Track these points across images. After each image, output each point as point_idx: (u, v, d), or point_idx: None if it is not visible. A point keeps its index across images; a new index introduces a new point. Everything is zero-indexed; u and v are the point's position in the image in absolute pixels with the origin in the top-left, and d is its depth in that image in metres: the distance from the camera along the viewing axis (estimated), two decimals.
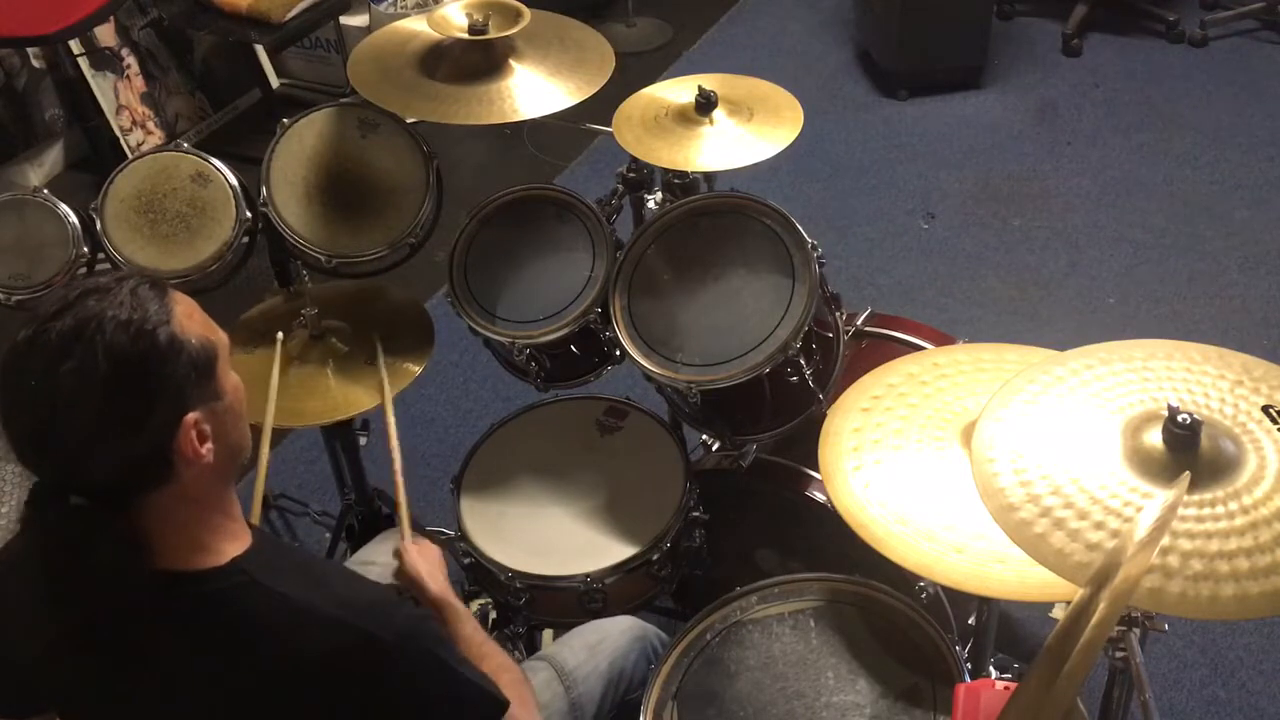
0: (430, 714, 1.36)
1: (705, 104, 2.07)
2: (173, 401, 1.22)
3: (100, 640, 1.29)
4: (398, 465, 1.91)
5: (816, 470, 1.77)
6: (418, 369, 2.12)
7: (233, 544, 1.31)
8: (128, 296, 1.21)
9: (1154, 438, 1.33)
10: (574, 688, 1.79)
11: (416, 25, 2.23)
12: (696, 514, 2.07)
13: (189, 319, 1.25)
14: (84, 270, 2.03)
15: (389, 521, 2.35)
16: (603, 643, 1.87)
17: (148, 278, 1.26)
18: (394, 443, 1.92)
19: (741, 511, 2.16)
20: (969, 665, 1.80)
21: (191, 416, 1.22)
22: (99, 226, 2.04)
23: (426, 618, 1.43)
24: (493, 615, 2.19)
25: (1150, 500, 1.28)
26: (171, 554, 1.27)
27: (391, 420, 1.97)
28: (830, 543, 1.88)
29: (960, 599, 2.01)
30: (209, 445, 1.25)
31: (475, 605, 2.22)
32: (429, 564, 1.70)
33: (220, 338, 1.29)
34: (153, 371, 1.20)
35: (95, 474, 1.21)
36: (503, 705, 1.41)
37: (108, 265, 2.05)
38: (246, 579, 1.29)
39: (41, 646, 1.31)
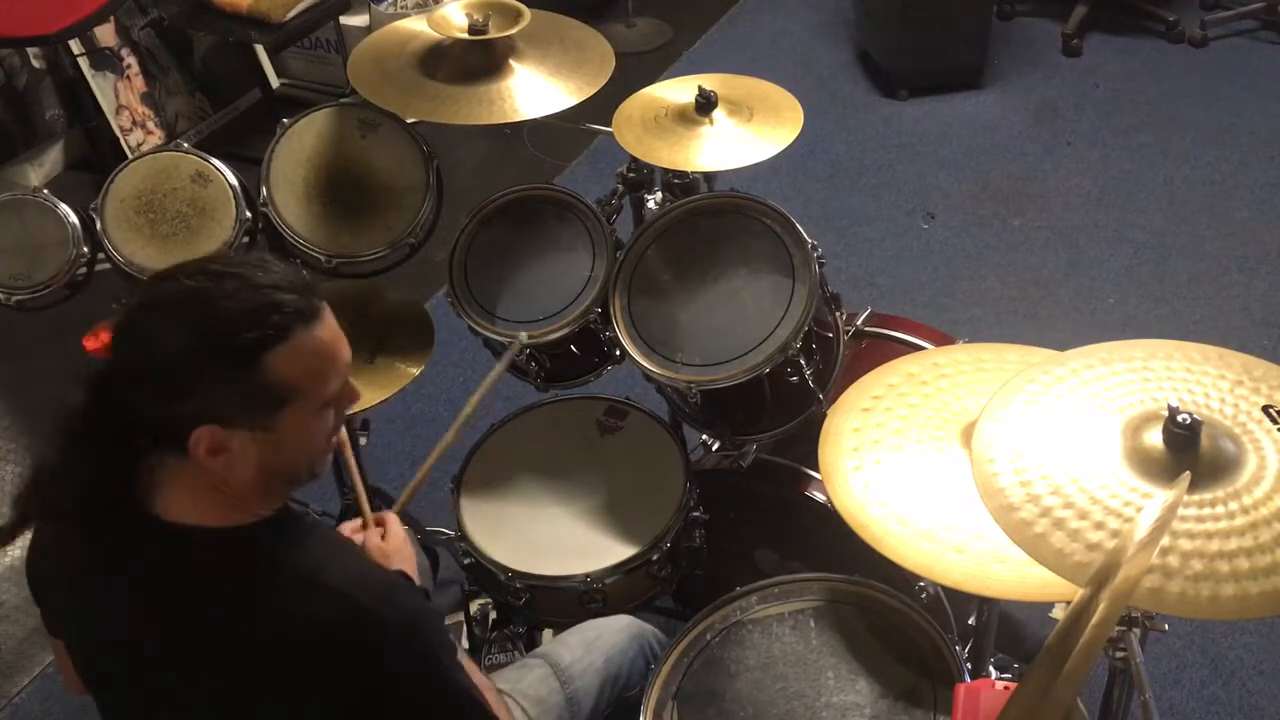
0: (424, 701, 1.37)
1: (705, 104, 2.07)
2: (198, 405, 1.25)
3: (103, 574, 1.34)
4: (351, 457, 1.89)
5: (816, 470, 1.77)
6: (417, 369, 2.12)
7: (262, 509, 1.35)
8: (273, 301, 1.25)
9: (1154, 438, 1.33)
10: (570, 684, 1.79)
11: (416, 25, 2.23)
12: (696, 514, 2.07)
13: (296, 353, 1.26)
14: (84, 270, 2.03)
15: None
16: (600, 640, 1.87)
17: (307, 300, 1.28)
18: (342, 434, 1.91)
19: (741, 511, 2.16)
20: (969, 665, 1.80)
21: (205, 430, 1.25)
22: (99, 226, 2.04)
23: (436, 614, 1.43)
24: (493, 615, 2.20)
25: (1150, 500, 1.28)
26: (187, 511, 1.31)
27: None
28: (830, 543, 1.88)
29: (960, 599, 2.01)
30: (224, 458, 1.27)
31: (475, 605, 2.22)
32: (394, 549, 1.68)
33: (325, 387, 1.31)
34: (204, 368, 1.24)
35: (147, 420, 1.28)
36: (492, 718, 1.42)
37: (108, 265, 2.05)
38: (260, 542, 1.33)
39: (66, 576, 1.39)
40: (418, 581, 1.57)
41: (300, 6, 3.71)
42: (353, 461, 1.88)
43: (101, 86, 3.88)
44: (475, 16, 2.12)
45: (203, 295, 1.25)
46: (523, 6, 2.17)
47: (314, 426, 1.32)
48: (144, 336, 1.26)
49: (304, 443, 1.32)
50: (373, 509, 2.32)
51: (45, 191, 2.04)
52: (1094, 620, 1.11)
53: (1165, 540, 1.22)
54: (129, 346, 1.28)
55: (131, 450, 1.29)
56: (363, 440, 2.33)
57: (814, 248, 1.92)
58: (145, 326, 1.27)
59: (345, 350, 1.35)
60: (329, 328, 1.32)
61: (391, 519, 1.72)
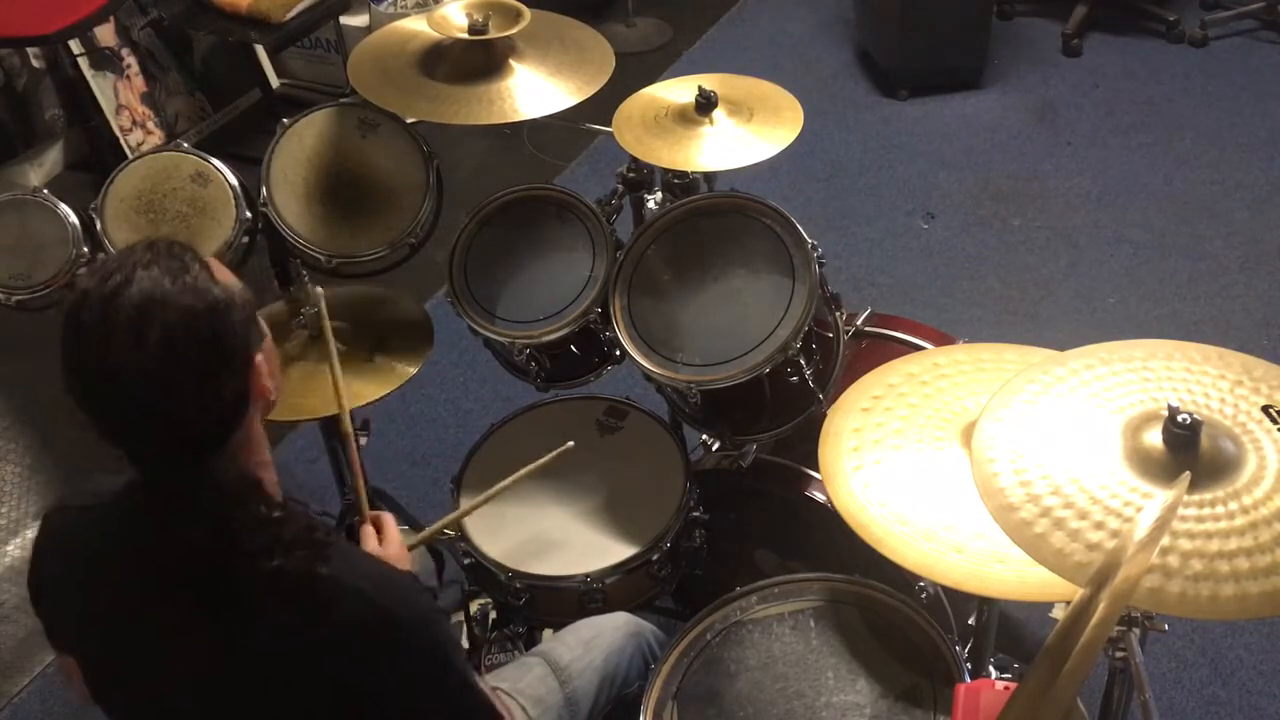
0: (436, 700, 1.37)
1: (705, 104, 2.07)
2: (242, 350, 1.27)
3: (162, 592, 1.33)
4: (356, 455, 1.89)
5: (816, 470, 1.77)
6: (416, 369, 2.12)
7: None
8: (168, 265, 1.24)
9: (1154, 438, 1.33)
10: (569, 683, 1.79)
11: (416, 25, 2.23)
12: (696, 514, 2.07)
13: (220, 271, 1.29)
14: (84, 271, 2.03)
15: None
16: (598, 638, 1.87)
17: (168, 241, 1.28)
18: (348, 427, 1.91)
19: (741, 511, 2.16)
20: (969, 665, 1.80)
21: (259, 357, 1.29)
22: (99, 226, 2.04)
23: (446, 614, 1.44)
24: (493, 615, 2.20)
25: (1150, 500, 1.28)
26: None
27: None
28: (830, 543, 1.88)
29: (960, 599, 2.01)
30: (275, 380, 1.33)
31: (475, 605, 2.22)
32: (392, 555, 1.66)
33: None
34: (222, 330, 1.25)
35: (191, 430, 1.26)
36: (500, 717, 1.42)
37: None
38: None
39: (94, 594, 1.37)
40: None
41: (300, 6, 3.71)
42: (356, 458, 1.88)
43: (101, 86, 3.88)
44: (475, 16, 2.12)
45: (150, 300, 1.21)
46: (523, 6, 2.17)
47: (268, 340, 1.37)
48: (157, 366, 1.21)
49: (272, 350, 1.37)
50: (373, 509, 2.32)
51: (45, 191, 2.04)
52: (1094, 620, 1.11)
53: (1165, 540, 1.22)
54: (153, 385, 1.22)
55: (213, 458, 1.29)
56: (363, 440, 2.32)
57: (814, 248, 1.92)
58: (147, 357, 1.21)
59: None
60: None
61: (388, 520, 1.71)
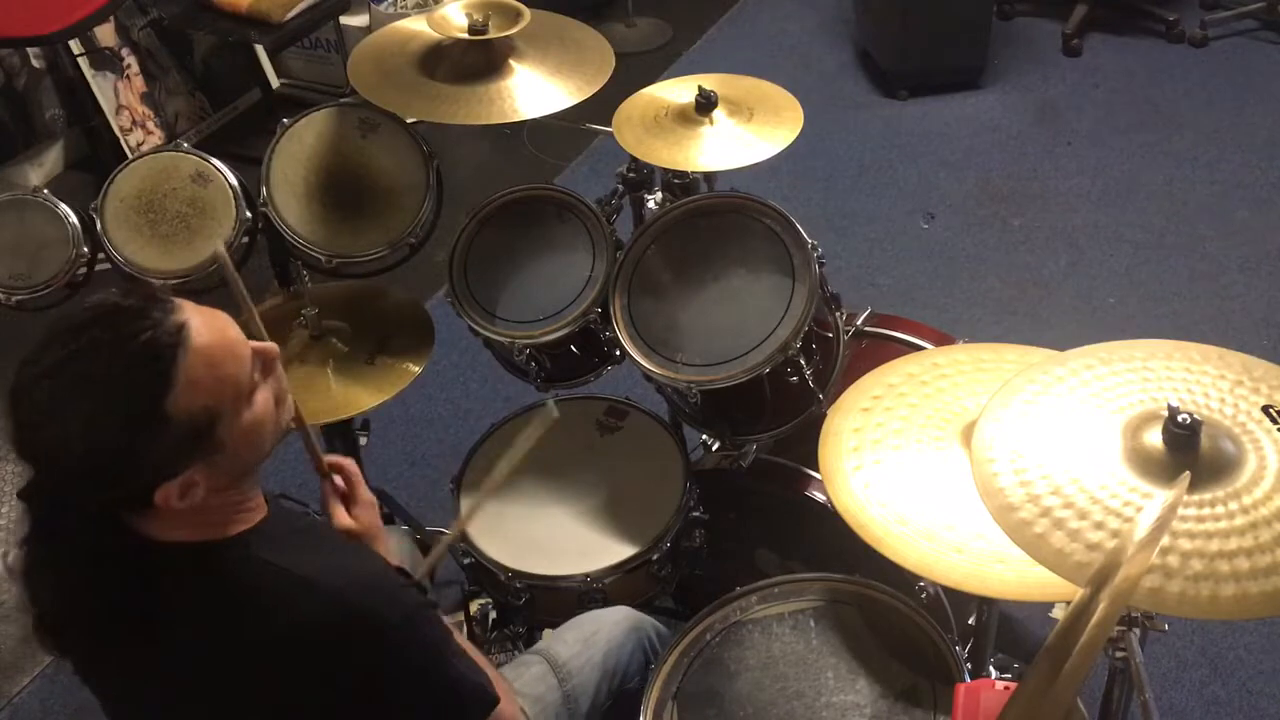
0: (424, 697, 1.37)
1: (705, 104, 2.07)
2: (152, 473, 1.21)
3: (103, 606, 1.32)
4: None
5: (816, 470, 1.77)
6: (418, 369, 2.12)
7: (240, 524, 1.33)
8: (136, 354, 1.17)
9: (1154, 438, 1.33)
10: (568, 680, 1.79)
11: (416, 25, 2.23)
12: (696, 514, 2.07)
13: (193, 386, 1.19)
14: (84, 270, 2.03)
15: (388, 521, 2.34)
16: (597, 634, 1.87)
17: (169, 325, 1.20)
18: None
19: (741, 511, 2.16)
20: (969, 665, 1.80)
21: (163, 491, 1.22)
22: (99, 226, 2.04)
23: (431, 606, 1.43)
24: (493, 615, 2.20)
25: (1150, 500, 1.28)
26: (176, 531, 1.29)
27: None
28: (830, 543, 1.88)
29: (960, 599, 2.01)
30: (192, 494, 1.24)
31: (475, 605, 2.22)
32: (360, 511, 1.57)
33: (232, 385, 1.24)
34: (136, 448, 1.19)
35: (91, 501, 1.25)
36: (494, 700, 1.42)
37: (108, 265, 2.05)
38: (244, 553, 1.31)
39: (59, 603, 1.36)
40: (397, 560, 1.50)
41: (300, 6, 3.71)
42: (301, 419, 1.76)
43: (101, 86, 3.88)
44: (475, 16, 2.12)
45: (78, 383, 1.17)
46: (523, 6, 2.17)
47: (255, 414, 1.28)
48: (52, 453, 1.20)
49: (255, 433, 1.28)
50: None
51: (45, 191, 2.04)
52: (1094, 620, 1.11)
53: (1165, 540, 1.22)
54: (47, 465, 1.22)
55: (111, 530, 1.27)
56: (363, 440, 2.33)
57: (814, 248, 1.92)
58: (46, 443, 1.19)
59: (231, 331, 1.26)
60: (201, 328, 1.22)
61: (351, 472, 1.57)
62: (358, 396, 2.07)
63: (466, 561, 2.06)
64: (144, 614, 1.31)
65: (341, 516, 1.52)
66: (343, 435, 2.29)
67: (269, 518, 1.37)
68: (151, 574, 1.29)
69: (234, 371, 1.24)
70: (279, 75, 4.38)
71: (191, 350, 1.20)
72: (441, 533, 2.23)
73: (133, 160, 2.10)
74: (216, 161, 2.10)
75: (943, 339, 2.26)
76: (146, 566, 1.28)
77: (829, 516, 1.81)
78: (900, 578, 1.82)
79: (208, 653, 1.32)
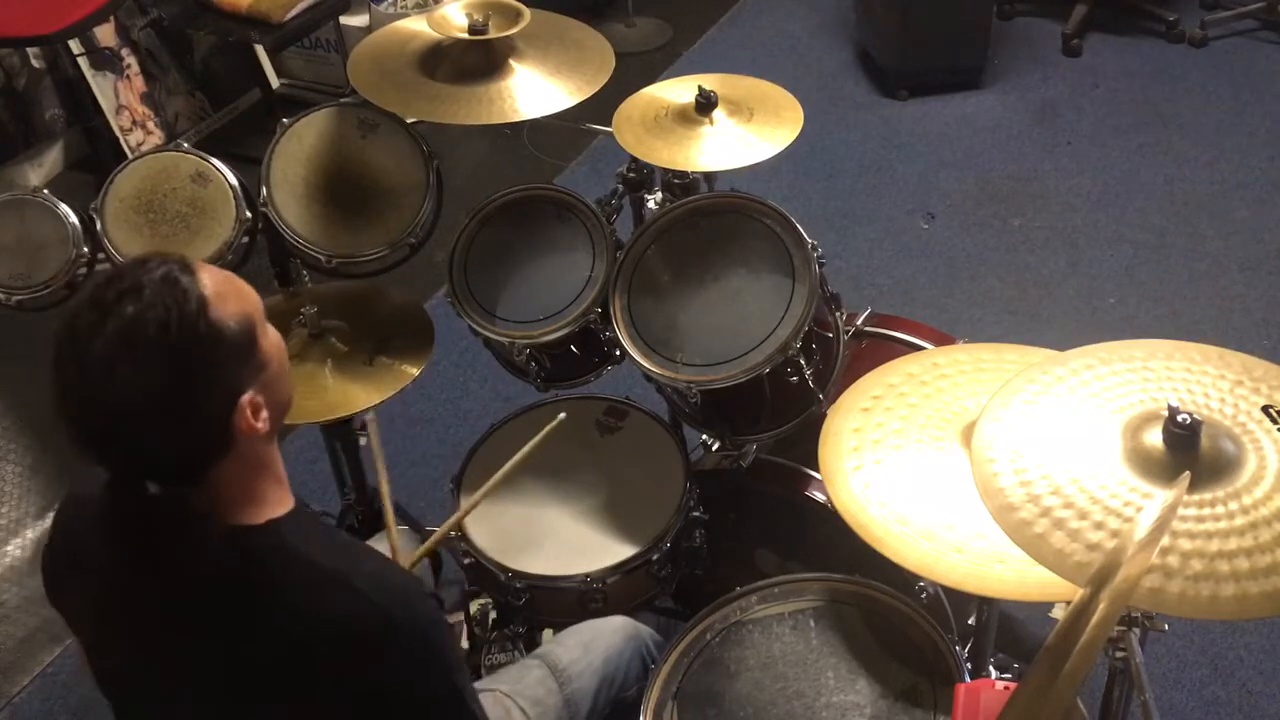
0: (426, 712, 1.37)
1: (705, 104, 2.07)
2: (226, 386, 1.26)
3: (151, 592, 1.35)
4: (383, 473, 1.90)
5: (816, 470, 1.77)
6: (417, 369, 2.12)
7: (275, 507, 1.35)
8: (160, 290, 1.23)
9: (1154, 438, 1.33)
10: (568, 684, 1.80)
11: (416, 25, 2.23)
12: (696, 514, 2.07)
13: (222, 299, 1.26)
14: (84, 270, 2.03)
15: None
16: (596, 640, 1.87)
17: (173, 261, 1.27)
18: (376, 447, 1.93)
19: (741, 511, 2.16)
20: (969, 665, 1.80)
21: (246, 397, 1.27)
22: (99, 226, 2.04)
23: (447, 623, 1.44)
24: (493, 615, 2.19)
25: (1150, 500, 1.28)
26: (227, 512, 1.32)
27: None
28: (830, 543, 1.88)
29: (960, 599, 2.01)
30: (264, 415, 1.29)
31: (475, 605, 2.22)
32: None
33: (254, 303, 1.31)
34: (200, 367, 1.24)
35: (163, 464, 1.27)
36: None
37: (108, 265, 2.05)
38: (278, 540, 1.33)
39: (98, 589, 1.38)
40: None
41: (300, 6, 3.71)
42: (381, 464, 1.88)
43: (101, 86, 3.88)
44: (475, 16, 2.12)
45: (125, 333, 1.21)
46: (523, 6, 2.17)
47: (272, 337, 1.34)
48: (127, 402, 1.22)
49: (281, 352, 1.35)
50: (373, 509, 2.33)
51: (45, 191, 2.04)
52: (1094, 620, 1.11)
53: (1165, 540, 1.22)
54: (120, 419, 1.23)
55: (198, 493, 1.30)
56: (363, 440, 2.33)
57: (814, 248, 1.92)
58: (119, 390, 1.22)
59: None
60: (195, 260, 1.30)
61: None
62: (357, 396, 2.07)
63: (466, 561, 2.06)
64: (181, 594, 1.33)
65: None
66: (342, 435, 2.29)
67: (296, 510, 1.38)
68: (200, 552, 1.31)
69: (241, 284, 1.31)
70: (279, 75, 4.38)
71: (202, 269, 1.27)
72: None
73: (132, 160, 2.10)
74: (216, 161, 2.10)
75: (943, 339, 2.26)
76: (196, 546, 1.31)
77: (829, 516, 1.81)
78: (900, 578, 1.83)
79: (228, 636, 1.33)
